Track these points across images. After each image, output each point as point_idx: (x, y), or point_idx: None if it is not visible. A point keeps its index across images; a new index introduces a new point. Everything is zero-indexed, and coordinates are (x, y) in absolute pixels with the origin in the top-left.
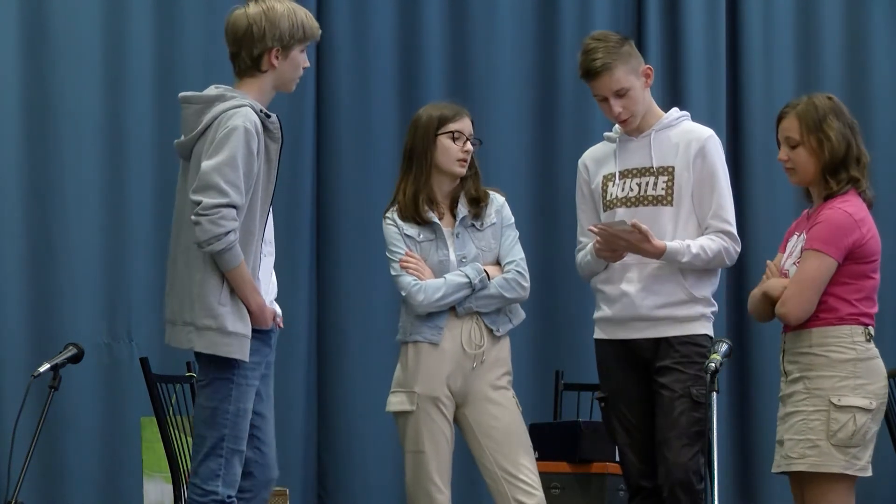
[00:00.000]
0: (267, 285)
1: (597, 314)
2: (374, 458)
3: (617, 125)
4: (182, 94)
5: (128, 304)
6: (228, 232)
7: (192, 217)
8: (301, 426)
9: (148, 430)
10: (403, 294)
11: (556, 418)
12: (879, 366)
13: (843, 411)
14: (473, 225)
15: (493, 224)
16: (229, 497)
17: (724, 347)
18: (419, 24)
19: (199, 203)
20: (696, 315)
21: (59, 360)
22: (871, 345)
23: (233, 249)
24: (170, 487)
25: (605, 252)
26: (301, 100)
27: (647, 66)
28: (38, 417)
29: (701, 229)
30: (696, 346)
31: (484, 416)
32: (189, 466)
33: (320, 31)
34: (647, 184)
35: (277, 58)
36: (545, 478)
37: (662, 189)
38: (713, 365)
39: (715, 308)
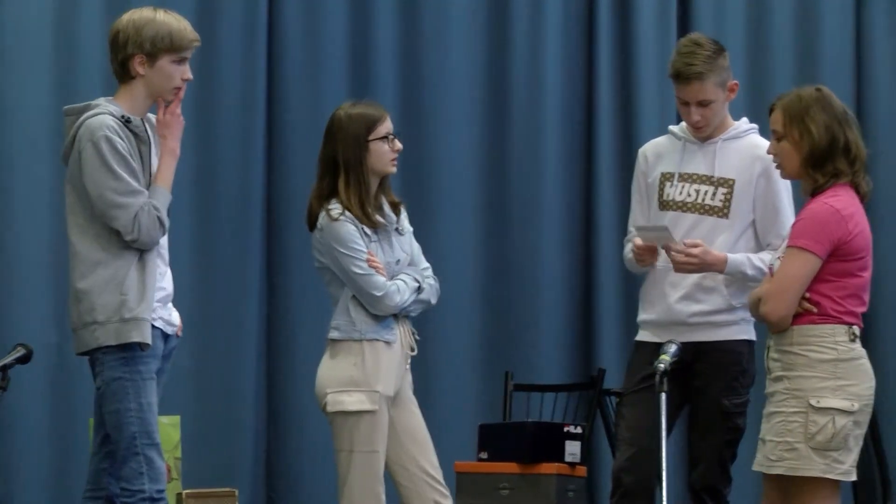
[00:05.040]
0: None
1: (639, 317)
2: (324, 459)
3: (684, 123)
4: (64, 107)
5: None
6: (163, 220)
7: (129, 241)
8: (251, 425)
9: None
10: (378, 294)
11: (506, 419)
12: (865, 366)
13: (821, 413)
14: (397, 229)
15: (410, 231)
16: (158, 492)
17: (672, 348)
18: (370, 23)
19: (119, 232)
20: (736, 319)
21: (7, 360)
22: (856, 345)
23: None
24: None
25: (643, 257)
26: (252, 99)
27: (735, 81)
28: None
29: (756, 245)
30: (732, 353)
31: (411, 418)
32: None
33: (197, 43)
34: (704, 192)
35: (143, 65)
36: (495, 478)
37: (720, 200)
38: (662, 366)
39: None
